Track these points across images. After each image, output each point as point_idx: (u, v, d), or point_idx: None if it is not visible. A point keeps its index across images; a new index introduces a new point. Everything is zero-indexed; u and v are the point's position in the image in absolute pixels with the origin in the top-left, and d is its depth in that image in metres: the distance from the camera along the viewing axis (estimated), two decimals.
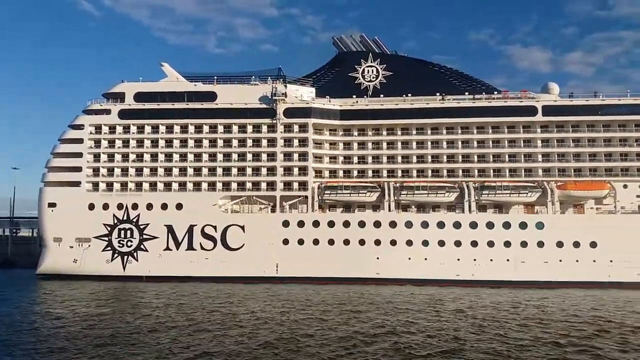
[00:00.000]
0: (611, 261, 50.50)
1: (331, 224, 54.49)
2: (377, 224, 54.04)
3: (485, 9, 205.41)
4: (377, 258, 53.03)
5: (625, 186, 55.14)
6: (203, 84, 61.79)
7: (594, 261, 50.79)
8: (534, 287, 48.79)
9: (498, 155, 58.24)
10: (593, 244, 51.22)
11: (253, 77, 62.57)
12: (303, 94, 61.38)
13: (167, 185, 58.53)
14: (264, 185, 58.06)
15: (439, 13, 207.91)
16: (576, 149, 57.01)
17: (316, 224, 54.62)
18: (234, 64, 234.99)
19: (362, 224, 54.13)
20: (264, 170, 58.44)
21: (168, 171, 59.08)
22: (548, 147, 57.59)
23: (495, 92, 62.22)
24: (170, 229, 55.70)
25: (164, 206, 56.52)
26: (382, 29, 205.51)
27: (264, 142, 59.30)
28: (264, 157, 58.81)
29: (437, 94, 61.39)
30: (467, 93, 61.70)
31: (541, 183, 55.60)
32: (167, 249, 55.46)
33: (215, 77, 62.28)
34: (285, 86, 60.19)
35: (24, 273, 59.78)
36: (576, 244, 51.45)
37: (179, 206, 56.51)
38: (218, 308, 35.59)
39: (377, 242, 53.51)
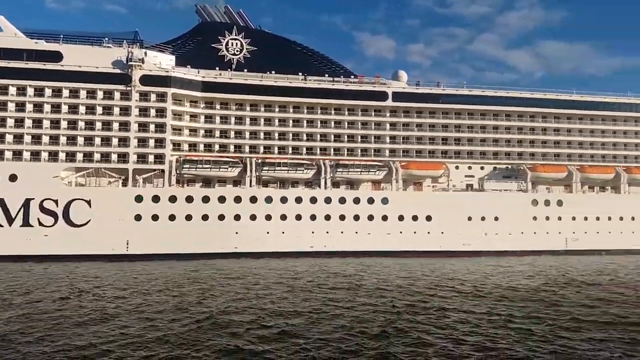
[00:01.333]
0: (442, 233, 57.54)
1: (189, 199, 53.30)
2: (238, 199, 54.32)
3: None
4: (237, 233, 53.48)
5: (457, 167, 62.91)
6: (47, 42, 55.37)
7: (429, 233, 57.38)
8: (379, 256, 53.41)
9: (352, 136, 62.15)
10: (428, 218, 57.76)
11: (106, 39, 57.74)
12: (162, 62, 58.59)
13: None
14: (114, 157, 54.31)
15: None
16: (419, 132, 63.19)
17: (173, 199, 52.95)
18: (76, 24, 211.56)
19: (222, 199, 53.92)
20: (115, 141, 54.62)
21: (0, 138, 52.25)
22: (395, 130, 62.95)
23: (352, 77, 65.92)
24: (1, 203, 49.56)
25: None
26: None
27: (116, 110, 55.36)
28: (116, 126, 54.97)
29: (300, 73, 63.18)
30: (326, 75, 64.40)
31: (387, 163, 60.72)
32: None
33: (62, 36, 56.26)
34: (145, 53, 56.69)
35: None
36: (414, 218, 57.54)
37: (13, 177, 50.43)
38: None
39: (237, 217, 53.88)
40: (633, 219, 61.59)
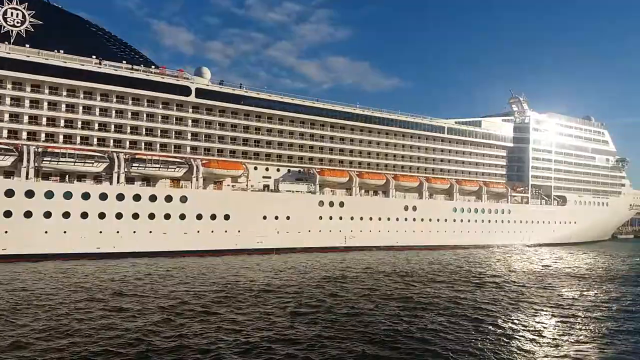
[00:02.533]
0: (239, 231, 59.68)
1: None
2: (10, 193, 47.52)
3: None
4: (6, 232, 46.78)
5: (255, 168, 65.80)
6: None
7: (226, 231, 58.89)
8: (177, 256, 52.89)
9: (151, 129, 59.80)
10: (227, 217, 59.25)
11: None
12: None
13: None
14: None
15: None
16: (221, 131, 64.12)
17: None
18: None
19: None
20: None
21: None
22: (197, 127, 62.70)
23: (153, 67, 63.28)
24: None
25: None
26: None
27: None
28: None
29: (94, 56, 58.08)
30: (124, 62, 60.52)
31: (188, 160, 60.24)
32: None
33: None
34: None
35: None
36: (213, 217, 58.40)
37: None
38: None
39: (8, 214, 47.15)
40: (397, 219, 73.03)
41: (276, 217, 62.88)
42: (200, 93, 62.69)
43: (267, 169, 67.04)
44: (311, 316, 25.53)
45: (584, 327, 24.40)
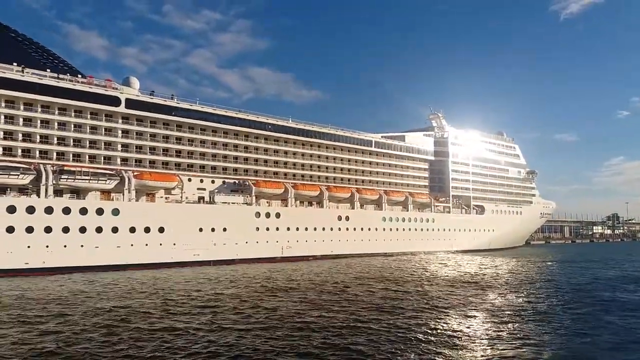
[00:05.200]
0: (174, 244, 58.55)
1: None
2: None
3: None
4: None
5: (190, 179, 65.02)
6: None
7: (161, 244, 57.55)
8: (109, 270, 50.93)
9: (79, 140, 57.54)
10: (161, 229, 57.97)
11: None
12: None
13: None
14: None
15: None
16: (153, 143, 62.86)
17: None
18: None
19: None
20: None
21: None
22: (128, 138, 61.09)
23: (80, 76, 61.15)
24: None
25: None
26: None
27: None
28: None
29: (15, 64, 55.12)
30: (48, 70, 57.98)
31: (119, 171, 58.44)
32: None
33: None
34: None
35: None
36: (147, 229, 56.90)
37: None
38: None
39: None
40: (332, 229, 75.07)
41: (212, 229, 62.42)
42: (131, 103, 61.29)
43: (201, 181, 66.47)
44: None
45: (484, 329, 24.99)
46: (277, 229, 68.73)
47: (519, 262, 67.43)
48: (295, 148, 77.02)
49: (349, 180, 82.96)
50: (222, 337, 22.03)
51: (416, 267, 58.19)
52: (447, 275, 48.43)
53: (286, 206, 71.85)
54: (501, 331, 23.54)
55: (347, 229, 77.10)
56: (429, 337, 22.37)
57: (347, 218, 77.69)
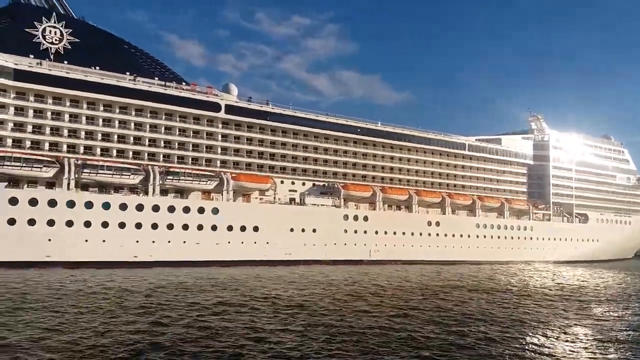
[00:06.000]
0: (267, 243, 60.95)
1: None
2: (52, 203, 49.47)
3: None
4: (49, 240, 48.58)
5: (282, 182, 67.35)
6: None
7: (255, 243, 60.20)
8: (209, 265, 54.06)
9: (183, 144, 61.83)
10: (256, 228, 60.63)
11: None
12: None
13: None
14: None
15: None
16: (249, 146, 65.98)
17: None
18: None
19: (33, 202, 48.50)
20: None
21: None
22: (227, 142, 64.61)
23: (184, 84, 65.65)
24: None
25: None
26: None
27: None
28: None
29: (128, 73, 60.55)
30: (156, 78, 62.93)
31: (219, 173, 61.97)
32: None
33: None
34: None
35: None
36: (243, 228, 59.80)
37: None
38: None
39: (51, 223, 49.02)
40: (421, 234, 73.80)
41: (303, 230, 64.11)
42: (230, 109, 64.75)
43: (293, 183, 68.55)
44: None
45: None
46: (365, 232, 68.92)
47: (627, 276, 61.72)
48: (384, 151, 76.78)
49: (439, 184, 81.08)
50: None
51: (511, 278, 55.45)
52: (545, 288, 45.64)
53: (374, 209, 71.82)
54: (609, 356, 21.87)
55: (437, 234, 75.34)
56: (525, 355, 21.33)
57: (438, 223, 75.93)
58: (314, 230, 64.73)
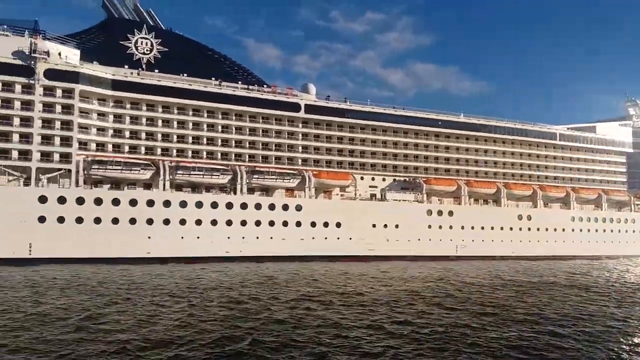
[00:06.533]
0: (350, 238, 61.25)
1: (98, 201, 50.88)
2: (150, 203, 53.00)
3: None
4: (149, 237, 52.10)
5: (362, 178, 67.33)
6: None
7: (338, 238, 60.74)
8: (294, 260, 55.41)
9: (266, 144, 63.69)
10: (338, 224, 61.15)
11: (4, 26, 53.21)
12: (67, 55, 55.24)
13: None
14: (15, 154, 50.22)
15: None
16: (328, 144, 66.63)
17: (80, 200, 50.20)
18: None
19: (133, 202, 52.24)
20: (15, 137, 50.58)
21: None
22: (307, 140, 65.72)
23: (266, 86, 67.57)
24: None
25: None
26: None
27: (17, 105, 51.30)
28: (17, 121, 50.89)
29: (213, 78, 63.33)
30: (240, 82, 65.25)
31: (301, 171, 63.20)
32: None
33: None
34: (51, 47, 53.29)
35: None
36: (325, 224, 60.58)
37: None
38: None
39: (150, 221, 52.55)
40: (511, 229, 70.65)
41: (385, 226, 63.69)
42: (309, 108, 65.75)
43: (373, 179, 68.31)
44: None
45: None
46: (451, 227, 67.11)
47: None
48: (467, 144, 74.35)
49: (529, 176, 77.10)
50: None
51: (611, 274, 51.47)
52: None
53: (459, 204, 69.72)
54: None
55: (529, 229, 71.66)
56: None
57: (529, 217, 72.23)
58: (397, 226, 64.06)
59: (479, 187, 71.45)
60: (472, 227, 68.23)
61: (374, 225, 63.13)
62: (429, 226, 66.20)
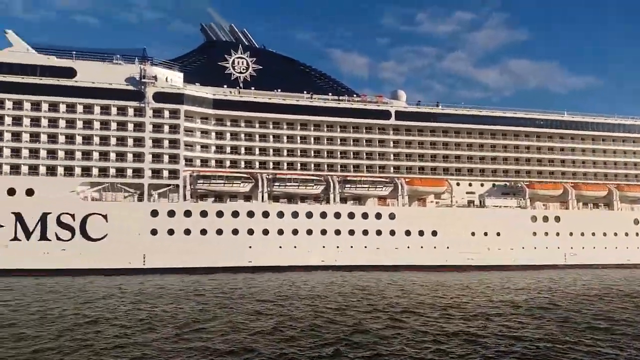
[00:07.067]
0: (448, 247, 59.52)
1: (204, 213, 54.28)
2: (251, 214, 55.51)
3: (306, 12, 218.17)
4: (250, 247, 54.53)
5: (458, 184, 65.22)
6: (57, 58, 56.15)
7: (435, 247, 59.29)
8: (389, 270, 54.93)
9: (357, 153, 64.01)
10: (434, 233, 59.73)
11: (117, 55, 58.84)
12: (172, 79, 59.68)
13: (15, 168, 52.06)
14: (129, 172, 55.16)
15: (263, 9, 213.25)
16: (421, 150, 65.43)
17: (188, 213, 53.88)
18: (46, 35, 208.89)
19: (235, 214, 55.04)
20: (129, 156, 55.52)
21: (15, 152, 52.60)
22: (398, 147, 65.07)
23: (355, 95, 68.05)
24: (18, 217, 49.76)
25: (11, 191, 50.28)
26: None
27: (130, 127, 56.35)
28: (130, 142, 55.93)
29: (305, 92, 64.97)
30: (330, 93, 66.33)
31: (393, 179, 62.67)
32: (15, 239, 49.52)
33: (74, 53, 57.11)
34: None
35: None
36: (421, 233, 59.46)
37: (30, 192, 50.78)
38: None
39: (250, 232, 55.03)
40: (627, 234, 64.60)
41: (485, 234, 61.11)
42: (399, 115, 65.13)
43: (470, 184, 65.90)
44: None
45: None
46: (558, 234, 62.79)
47: None
48: (574, 144, 69.30)
49: None
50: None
51: None
52: None
53: (566, 209, 65.03)
54: None
55: None
56: None
57: None
58: (498, 234, 61.17)
59: (588, 190, 66.18)
60: (582, 234, 63.30)
61: (472, 234, 60.83)
62: (534, 233, 62.43)
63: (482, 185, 65.98)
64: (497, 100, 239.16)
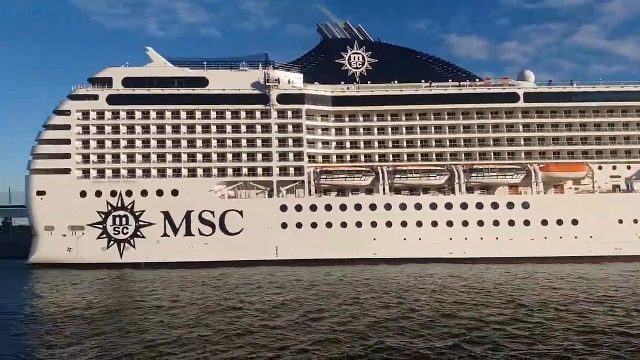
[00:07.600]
0: (591, 237, 54.21)
1: (328, 207, 55.80)
2: (373, 207, 55.80)
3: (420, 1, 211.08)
4: (374, 239, 54.83)
5: (600, 167, 59.04)
6: (190, 69, 61.44)
7: (576, 237, 54.35)
8: (523, 262, 51.51)
9: (483, 140, 60.88)
10: (574, 222, 54.78)
11: (243, 62, 62.76)
12: (293, 80, 62.00)
13: (161, 172, 58.14)
14: (260, 171, 58.60)
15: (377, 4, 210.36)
16: (555, 133, 60.37)
17: (313, 207, 55.81)
18: (176, 48, 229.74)
19: (358, 207, 55.75)
20: (259, 156, 58.94)
21: (161, 157, 58.67)
22: (529, 131, 60.66)
23: (478, 80, 64.81)
24: (167, 215, 55.59)
25: (160, 192, 56.31)
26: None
27: (258, 128, 59.75)
28: (259, 142, 59.34)
29: (423, 81, 63.41)
30: (450, 80, 63.88)
31: (525, 165, 58.62)
32: (165, 235, 55.43)
33: (205, 63, 62.07)
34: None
35: (16, 263, 57.70)
36: (559, 222, 54.89)
37: (175, 192, 56.43)
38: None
39: (374, 224, 55.34)
40: None
41: (635, 221, 54.68)
42: (529, 97, 60.79)
43: (614, 168, 59.34)
44: None
45: None
46: None
47: None
48: None
49: None
50: None
51: None
52: None
53: None
54: None
55: None
56: None
57: None
58: None
59: None
60: None
61: (620, 221, 54.69)
62: None
63: (628, 167, 59.02)
64: (637, 73, 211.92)
